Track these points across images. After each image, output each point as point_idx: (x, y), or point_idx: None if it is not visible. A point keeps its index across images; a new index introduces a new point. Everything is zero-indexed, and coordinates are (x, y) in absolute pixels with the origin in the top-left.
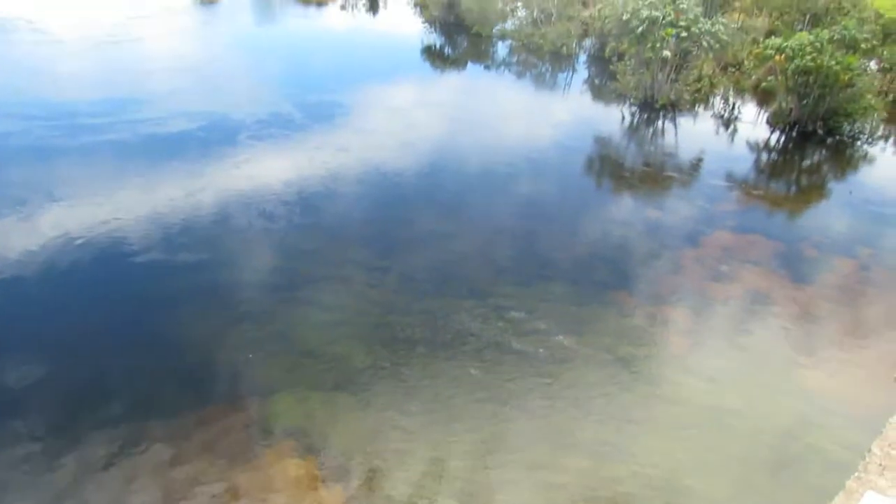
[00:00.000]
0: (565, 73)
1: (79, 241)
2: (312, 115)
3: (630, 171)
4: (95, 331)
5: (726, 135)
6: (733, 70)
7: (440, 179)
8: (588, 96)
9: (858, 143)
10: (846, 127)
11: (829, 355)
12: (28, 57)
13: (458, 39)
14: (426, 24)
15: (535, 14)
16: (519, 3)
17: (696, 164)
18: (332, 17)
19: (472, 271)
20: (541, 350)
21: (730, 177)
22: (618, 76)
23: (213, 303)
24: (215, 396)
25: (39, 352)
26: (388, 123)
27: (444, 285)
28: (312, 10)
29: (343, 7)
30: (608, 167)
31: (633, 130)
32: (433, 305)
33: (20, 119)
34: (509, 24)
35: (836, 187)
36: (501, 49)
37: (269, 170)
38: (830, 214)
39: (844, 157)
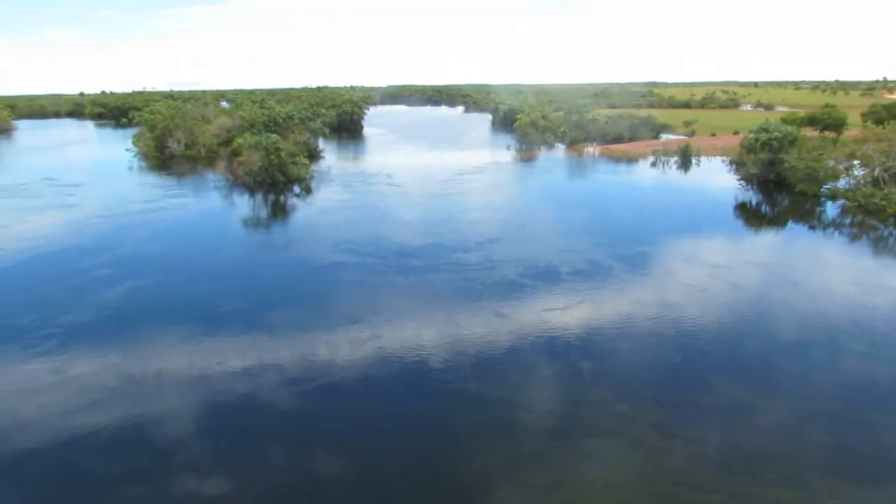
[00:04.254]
0: None
1: (389, 360)
2: (627, 268)
3: None
4: (389, 439)
5: None
6: None
7: (750, 342)
8: None
9: None
10: None
11: None
12: (379, 204)
13: (777, 198)
14: (741, 182)
15: (875, 173)
16: (856, 162)
17: None
18: (641, 174)
19: (780, 454)
20: None
21: None
22: None
23: (495, 439)
24: None
25: (341, 452)
26: (706, 280)
27: (745, 465)
28: (622, 167)
29: (653, 164)
30: None
31: None
32: (730, 487)
33: (362, 255)
34: (842, 183)
35: None
36: (830, 210)
37: (578, 319)
38: None
39: None
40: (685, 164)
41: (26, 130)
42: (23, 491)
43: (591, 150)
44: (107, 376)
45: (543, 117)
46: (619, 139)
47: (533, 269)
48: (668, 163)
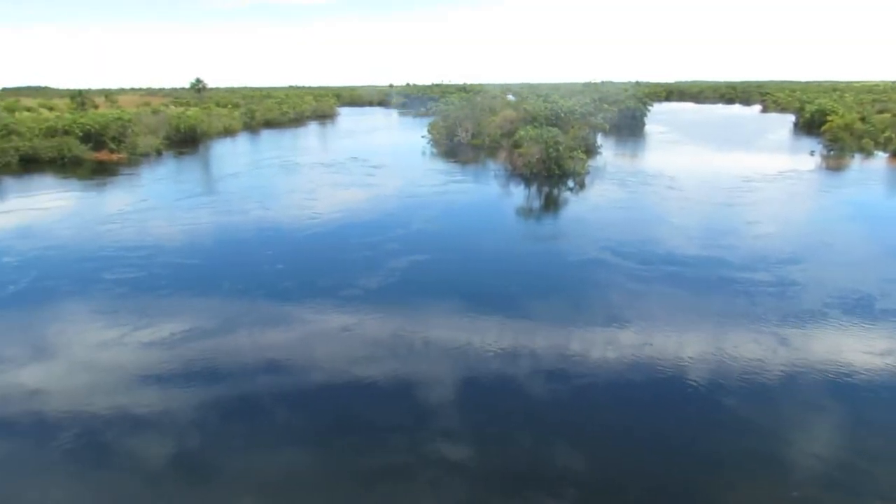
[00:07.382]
0: None
1: (645, 370)
2: None
3: None
4: (637, 450)
5: None
6: None
7: None
8: None
9: None
10: None
11: None
12: (653, 207)
13: None
14: None
15: None
16: None
17: None
18: None
19: None
20: None
21: None
22: None
23: (760, 474)
24: None
25: (584, 453)
26: None
27: None
28: None
29: None
30: None
31: None
32: None
33: (628, 257)
34: None
35: None
36: None
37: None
38: None
39: None
40: None
41: (345, 116)
42: (306, 421)
43: None
44: (385, 337)
45: (863, 119)
46: None
47: (843, 301)
48: None
